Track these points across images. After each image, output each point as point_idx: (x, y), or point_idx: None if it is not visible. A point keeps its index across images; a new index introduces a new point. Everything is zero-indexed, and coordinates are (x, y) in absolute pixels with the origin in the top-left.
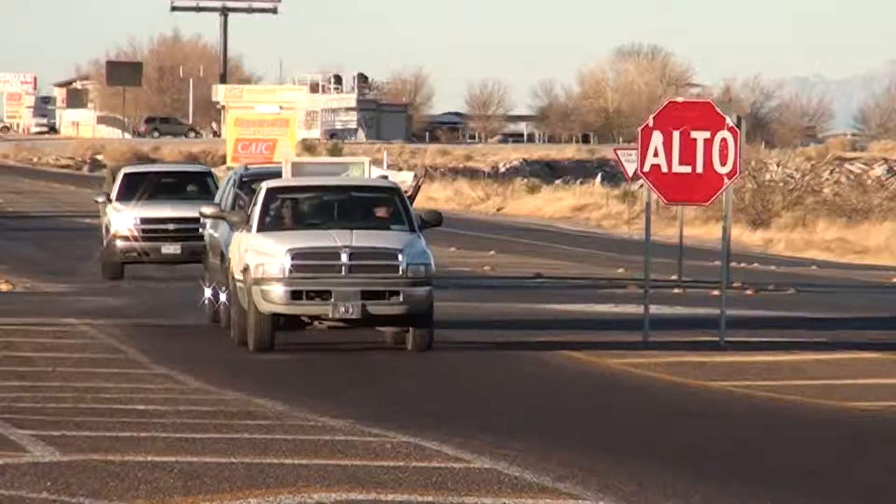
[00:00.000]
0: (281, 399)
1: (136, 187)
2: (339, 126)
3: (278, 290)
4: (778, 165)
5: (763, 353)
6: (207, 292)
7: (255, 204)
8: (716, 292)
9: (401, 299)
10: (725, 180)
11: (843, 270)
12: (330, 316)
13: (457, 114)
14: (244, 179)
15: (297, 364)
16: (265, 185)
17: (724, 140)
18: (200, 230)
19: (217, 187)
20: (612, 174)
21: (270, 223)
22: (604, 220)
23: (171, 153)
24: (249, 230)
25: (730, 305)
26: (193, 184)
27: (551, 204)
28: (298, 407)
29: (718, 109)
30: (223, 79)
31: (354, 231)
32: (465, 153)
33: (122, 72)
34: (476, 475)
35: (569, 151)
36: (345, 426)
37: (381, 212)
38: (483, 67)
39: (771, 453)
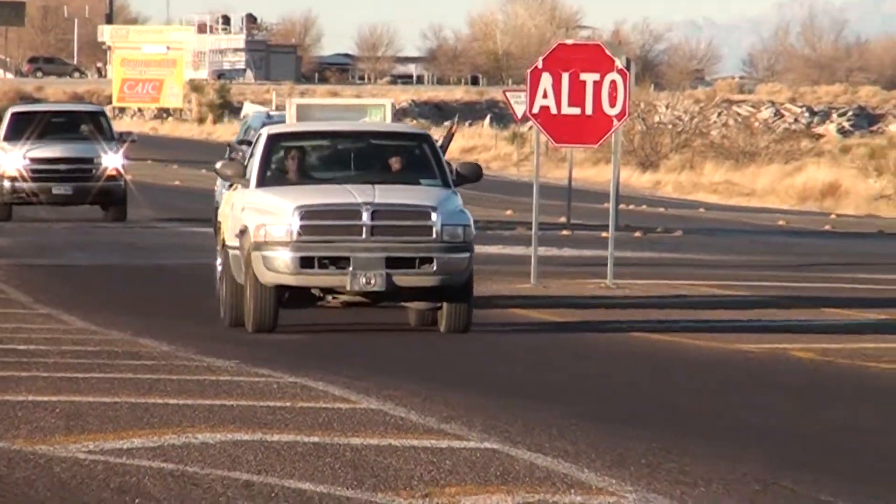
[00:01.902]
0: (167, 340)
1: (25, 127)
2: (227, 67)
3: (284, 257)
4: (667, 108)
5: (650, 295)
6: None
7: (253, 154)
8: (605, 234)
9: (434, 268)
10: (615, 122)
11: (730, 213)
12: (348, 288)
13: (346, 55)
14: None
15: (185, 303)
16: (265, 132)
17: (613, 82)
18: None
19: (110, 126)
20: (501, 116)
21: (273, 177)
22: (493, 162)
23: (55, 93)
24: (247, 185)
25: (618, 247)
26: (85, 124)
27: None
28: (184, 347)
29: (608, 52)
30: (109, 19)
31: (377, 186)
32: (355, 94)
33: (5, 11)
34: (362, 416)
35: (458, 93)
36: (231, 367)
37: (407, 163)
38: (372, 9)
39: (657, 394)
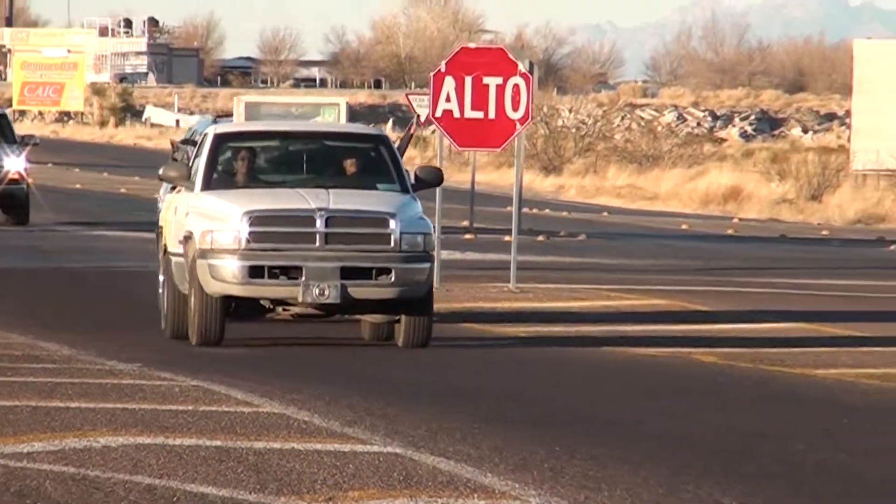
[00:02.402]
0: (68, 343)
1: None
2: (129, 70)
3: (232, 266)
4: (570, 111)
5: (552, 299)
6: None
7: (198, 155)
8: (508, 238)
9: (392, 279)
10: (518, 126)
11: (634, 217)
12: (300, 299)
13: (249, 58)
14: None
15: (87, 307)
16: (212, 131)
17: (516, 86)
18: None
19: (12, 130)
20: (405, 119)
21: (220, 179)
22: None
23: None
24: (192, 188)
25: (521, 251)
26: None
27: None
28: (86, 350)
29: (511, 55)
30: (9, 22)
31: (331, 190)
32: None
33: None
34: (265, 419)
35: (361, 96)
36: (133, 370)
37: (364, 166)
38: (275, 13)
39: (562, 399)
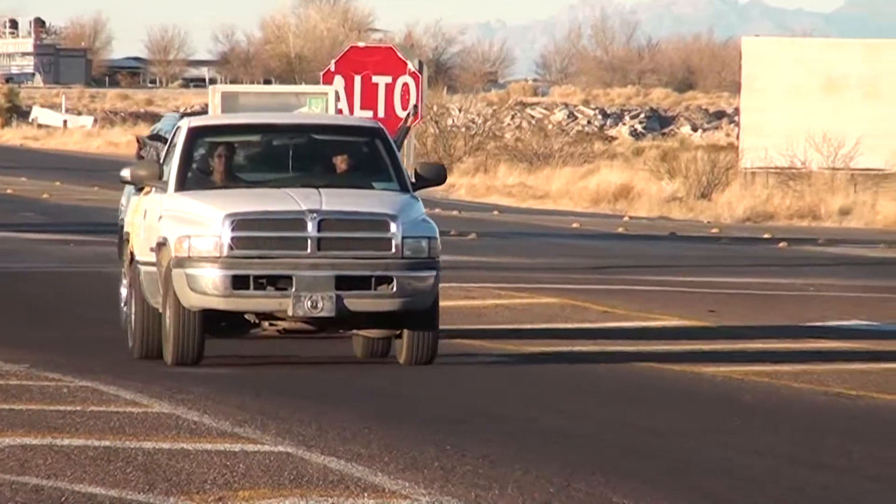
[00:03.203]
0: None
1: None
2: (15, 71)
3: (213, 276)
4: (460, 110)
5: (444, 298)
6: (125, 292)
7: (171, 152)
8: None
9: (394, 289)
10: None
11: (525, 215)
12: (289, 313)
13: (137, 59)
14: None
15: None
16: (186, 125)
17: (405, 85)
18: (122, 208)
19: None
20: None
21: (196, 179)
22: None
23: None
24: (164, 189)
25: None
26: None
27: None
28: None
29: (400, 54)
30: None
31: (322, 190)
32: (146, 98)
33: None
34: (155, 420)
35: None
36: (20, 371)
37: (357, 163)
38: (163, 12)
39: (455, 398)
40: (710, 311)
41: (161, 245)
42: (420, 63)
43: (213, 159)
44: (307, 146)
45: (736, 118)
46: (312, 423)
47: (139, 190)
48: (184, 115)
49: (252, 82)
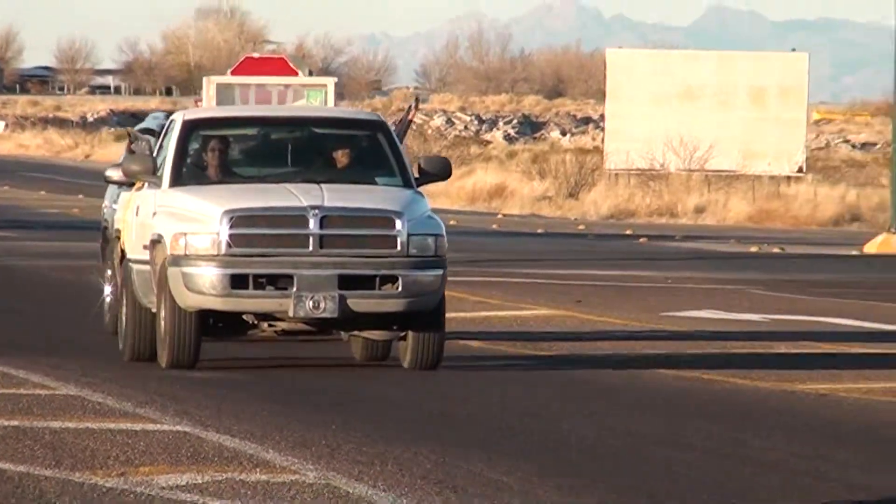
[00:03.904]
0: None
1: None
2: None
3: (210, 274)
4: None
5: None
6: (108, 289)
7: (165, 146)
8: None
9: (399, 289)
10: None
11: None
12: (290, 314)
13: (46, 67)
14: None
15: None
16: (180, 117)
17: (296, 92)
18: (104, 209)
19: None
20: None
21: (191, 173)
22: None
23: None
24: (158, 184)
25: None
26: None
27: None
28: None
29: (291, 64)
30: None
31: (324, 185)
32: (55, 104)
33: None
34: (62, 401)
35: (153, 103)
36: None
37: (359, 157)
38: (72, 23)
39: (342, 383)
40: (577, 301)
41: (155, 242)
42: (310, 72)
43: (209, 153)
44: (307, 140)
45: (601, 124)
46: (209, 405)
47: (130, 186)
48: (169, 114)
49: (154, 90)
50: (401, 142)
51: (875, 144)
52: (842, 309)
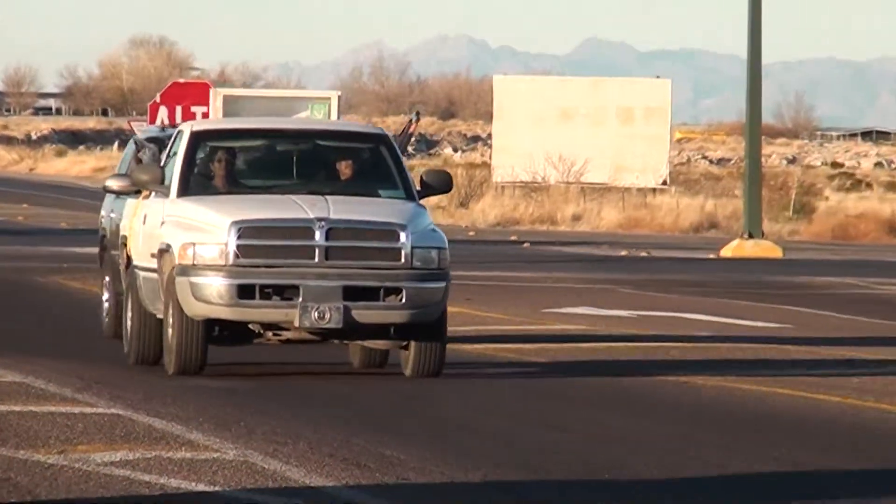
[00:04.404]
0: None
1: None
2: None
3: (217, 284)
4: None
5: None
6: (106, 296)
7: (173, 156)
8: None
9: (403, 300)
10: None
11: None
12: (296, 324)
13: None
14: (166, 142)
15: None
16: (188, 128)
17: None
18: (102, 219)
19: None
20: (128, 141)
21: (199, 184)
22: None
23: None
24: (166, 194)
25: None
26: None
27: (76, 166)
28: None
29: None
30: None
31: (329, 197)
32: (3, 123)
33: None
34: (6, 387)
35: (91, 123)
36: None
37: (363, 170)
38: (18, 51)
39: (252, 370)
40: (467, 299)
41: (163, 252)
42: None
43: (217, 164)
44: (312, 152)
45: (489, 141)
46: (140, 390)
47: (137, 193)
48: (164, 127)
49: (92, 112)
50: (402, 154)
51: (730, 160)
52: (700, 306)
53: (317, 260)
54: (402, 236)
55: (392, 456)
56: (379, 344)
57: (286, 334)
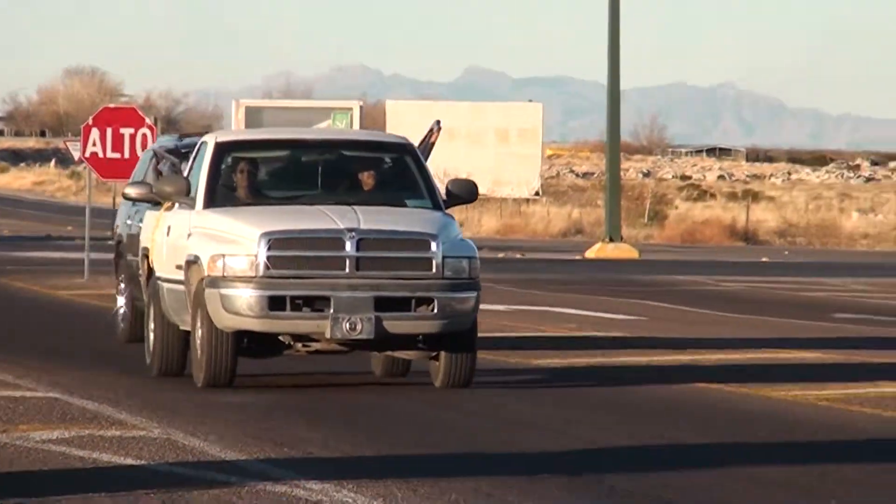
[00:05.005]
0: None
1: None
2: None
3: (247, 296)
4: None
5: None
6: (121, 301)
7: (197, 167)
8: None
9: (435, 310)
10: None
11: None
12: (327, 335)
13: None
14: (182, 152)
15: None
16: (212, 139)
17: (144, 135)
18: (117, 226)
19: None
20: (64, 159)
21: (224, 195)
22: (57, 192)
23: None
24: (191, 205)
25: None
26: None
27: (17, 181)
28: None
29: (140, 113)
30: None
31: (357, 208)
32: None
33: None
34: None
35: (31, 143)
36: None
37: (388, 180)
38: None
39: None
40: None
41: (191, 263)
42: (155, 119)
43: (240, 175)
44: (336, 162)
45: None
46: (76, 376)
47: (156, 205)
48: (182, 136)
49: (31, 133)
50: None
51: (594, 173)
52: (568, 301)
53: (347, 271)
54: (433, 246)
55: (302, 435)
56: (409, 354)
57: (315, 345)
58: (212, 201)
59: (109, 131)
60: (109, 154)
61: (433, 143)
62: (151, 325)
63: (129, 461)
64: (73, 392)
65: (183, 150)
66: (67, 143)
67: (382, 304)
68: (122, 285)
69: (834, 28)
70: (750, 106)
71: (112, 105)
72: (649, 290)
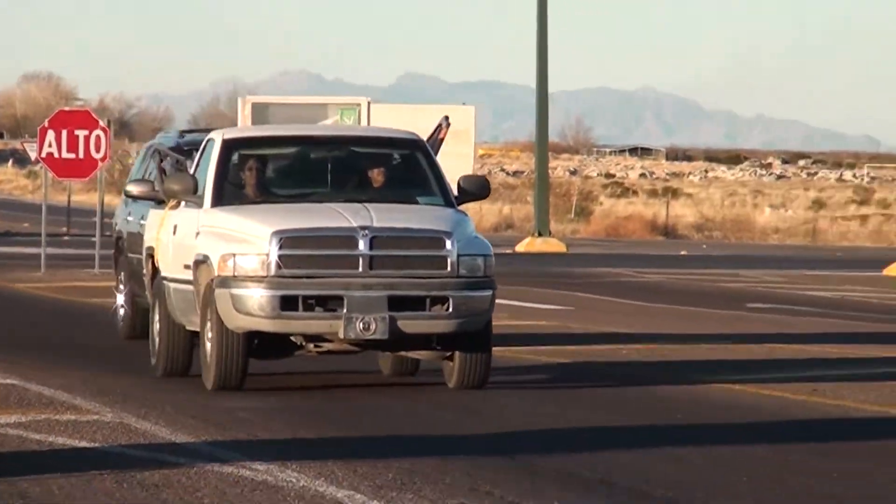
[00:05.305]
0: None
1: None
2: None
3: (259, 296)
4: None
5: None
6: (121, 299)
7: (204, 165)
8: (94, 238)
9: (450, 310)
10: (99, 163)
11: None
12: (340, 335)
13: None
14: (185, 149)
15: None
16: (219, 136)
17: (98, 136)
18: (116, 224)
19: None
20: (21, 159)
21: (233, 193)
22: (15, 191)
23: None
24: (199, 204)
25: (104, 247)
26: None
27: None
28: None
29: (94, 115)
30: None
31: (369, 205)
32: None
33: None
34: None
35: None
36: None
37: (399, 176)
38: None
39: (114, 343)
40: None
41: (199, 263)
42: (108, 121)
43: (249, 172)
44: (346, 159)
45: None
46: (34, 364)
47: (159, 203)
48: (182, 132)
49: None
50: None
51: (523, 172)
52: (499, 292)
53: (360, 269)
54: (448, 244)
55: (245, 418)
56: (422, 355)
57: (327, 346)
58: (220, 199)
59: (65, 133)
60: (65, 154)
61: (442, 140)
62: (156, 326)
63: (84, 443)
64: (31, 378)
65: (185, 148)
66: (24, 144)
67: (396, 304)
68: (122, 283)
69: (746, 35)
70: (669, 108)
71: (67, 108)
72: (576, 281)
